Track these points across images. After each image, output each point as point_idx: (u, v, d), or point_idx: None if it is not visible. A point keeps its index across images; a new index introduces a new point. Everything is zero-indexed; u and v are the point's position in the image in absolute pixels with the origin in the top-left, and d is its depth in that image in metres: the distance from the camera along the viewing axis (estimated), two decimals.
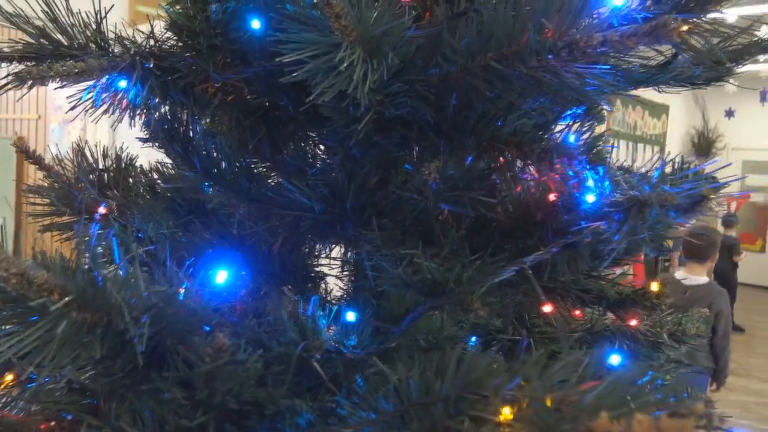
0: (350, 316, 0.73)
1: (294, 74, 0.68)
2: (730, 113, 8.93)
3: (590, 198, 0.70)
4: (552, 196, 0.74)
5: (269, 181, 0.99)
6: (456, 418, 0.55)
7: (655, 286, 0.94)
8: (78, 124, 4.92)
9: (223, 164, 0.92)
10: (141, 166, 1.22)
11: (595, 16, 0.70)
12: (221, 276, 0.79)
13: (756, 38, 0.92)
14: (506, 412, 0.55)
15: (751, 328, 7.25)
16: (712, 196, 0.61)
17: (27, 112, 5.60)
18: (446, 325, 0.90)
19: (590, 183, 0.71)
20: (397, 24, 0.72)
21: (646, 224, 0.63)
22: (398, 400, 0.62)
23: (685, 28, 0.59)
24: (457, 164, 0.77)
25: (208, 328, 0.66)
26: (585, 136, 0.71)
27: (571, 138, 0.74)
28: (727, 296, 3.71)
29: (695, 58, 0.91)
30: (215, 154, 0.91)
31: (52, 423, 0.65)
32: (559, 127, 0.93)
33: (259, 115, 0.92)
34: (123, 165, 1.23)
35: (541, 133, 0.75)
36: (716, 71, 0.91)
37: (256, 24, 0.76)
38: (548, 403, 0.48)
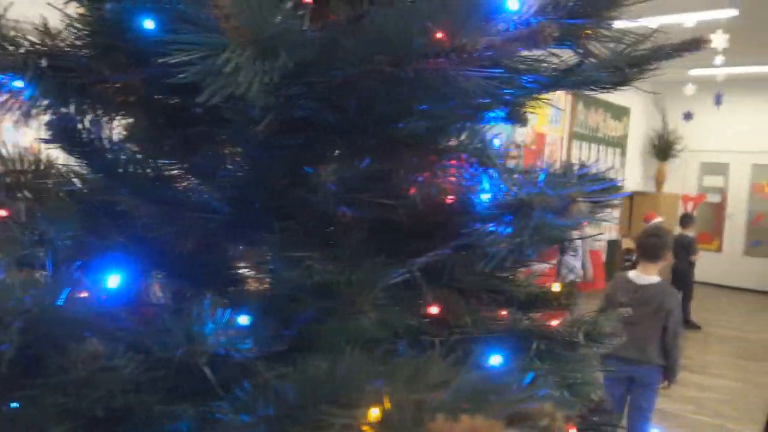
0: (243, 320, 0.72)
1: (180, 76, 0.67)
2: (688, 116, 9.16)
3: (481, 200, 0.71)
4: (448, 198, 0.74)
5: (183, 183, 0.98)
6: (323, 422, 0.55)
7: (557, 287, 0.96)
8: (34, 123, 4.80)
9: (129, 166, 0.90)
10: (60, 167, 1.19)
11: (486, 20, 0.71)
12: (114, 280, 0.78)
13: (659, 45, 0.94)
14: (373, 415, 0.55)
15: (707, 325, 7.44)
16: (580, 199, 0.62)
17: None
18: (370, 327, 0.90)
19: (482, 185, 0.72)
20: (292, 25, 0.71)
21: (530, 226, 0.64)
22: (279, 404, 0.61)
23: (554, 33, 0.60)
24: (356, 166, 0.77)
25: (88, 334, 0.65)
26: (476, 139, 0.72)
27: (468, 141, 0.75)
28: (678, 295, 3.79)
29: (599, 63, 0.93)
30: (122, 157, 0.90)
31: None
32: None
33: (167, 115, 0.91)
34: (42, 167, 1.20)
35: (438, 135, 0.76)
36: (620, 76, 0.93)
37: (149, 24, 0.75)
38: (389, 406, 0.48)
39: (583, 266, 5.94)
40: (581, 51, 0.86)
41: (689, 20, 6.53)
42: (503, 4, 0.73)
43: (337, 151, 0.80)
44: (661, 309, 3.45)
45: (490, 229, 0.68)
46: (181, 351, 0.63)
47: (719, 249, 10.21)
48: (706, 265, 8.87)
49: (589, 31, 0.82)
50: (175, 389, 0.66)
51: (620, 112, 9.61)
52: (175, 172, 0.98)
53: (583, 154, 8.89)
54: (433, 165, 0.74)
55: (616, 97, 9.28)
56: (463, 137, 0.76)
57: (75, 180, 1.12)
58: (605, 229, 9.26)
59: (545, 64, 0.89)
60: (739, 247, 10.11)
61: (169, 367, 0.66)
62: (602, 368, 1.10)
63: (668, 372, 3.53)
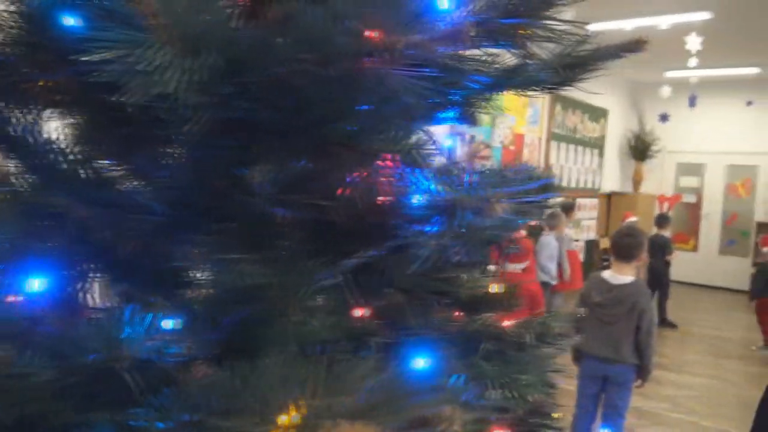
0: (168, 324, 0.71)
1: (100, 74, 0.66)
2: (664, 117, 9.27)
3: (412, 201, 0.70)
4: (382, 199, 0.74)
5: (124, 184, 0.96)
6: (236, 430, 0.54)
7: (494, 288, 0.95)
8: None
9: (65, 167, 0.88)
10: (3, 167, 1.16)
11: (414, 20, 0.70)
12: (44, 283, 0.76)
13: (600, 46, 0.94)
14: (282, 422, 0.54)
15: (685, 324, 7.52)
16: (494, 199, 0.62)
17: None
18: (319, 330, 0.89)
19: (414, 186, 0.71)
20: (220, 22, 0.70)
21: (456, 226, 0.64)
22: (195, 411, 0.60)
23: (472, 32, 0.59)
24: (290, 167, 0.76)
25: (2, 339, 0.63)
26: (410, 140, 0.71)
27: (402, 142, 0.74)
28: (650, 295, 3.81)
29: (542, 64, 0.93)
30: (57, 157, 0.88)
31: None
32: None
33: (104, 115, 0.89)
34: None
35: (372, 136, 0.75)
36: (563, 76, 0.93)
37: (73, 21, 0.73)
38: (299, 412, 0.47)
39: (561, 267, 5.97)
40: (520, 51, 0.86)
41: (664, 23, 6.61)
42: (432, 4, 0.72)
43: (273, 152, 0.78)
44: (635, 308, 3.46)
45: (420, 229, 0.68)
46: (98, 356, 0.61)
47: (695, 249, 10.34)
48: (682, 265, 8.99)
49: (526, 31, 0.81)
50: (95, 396, 0.64)
51: (598, 114, 9.70)
52: (115, 173, 0.96)
53: (561, 155, 8.97)
54: (367, 166, 0.73)
55: (594, 98, 9.40)
56: (396, 138, 0.75)
57: (17, 181, 1.10)
58: (584, 229, 9.35)
59: (487, 65, 0.89)
60: (715, 246, 10.26)
61: (88, 374, 0.64)
62: (553, 369, 1.10)
63: (641, 371, 3.53)
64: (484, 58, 0.85)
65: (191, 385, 0.63)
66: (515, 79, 0.92)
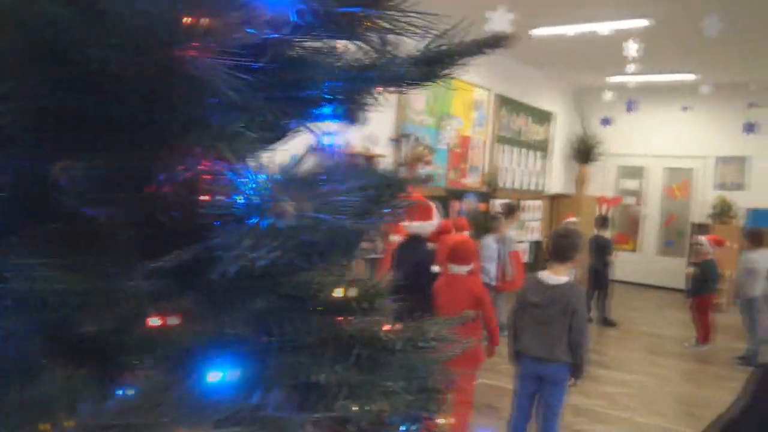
0: None
1: None
2: (606, 121, 9.51)
3: (224, 201, 0.65)
4: (194, 199, 0.68)
5: None
6: None
7: (340, 291, 0.91)
8: None
9: None
10: None
11: (234, 4, 0.65)
12: None
13: (461, 41, 0.91)
14: None
15: (626, 323, 7.71)
16: (283, 200, 0.57)
17: None
18: (184, 336, 0.83)
19: (232, 185, 0.65)
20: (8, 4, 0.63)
21: (259, 229, 0.59)
22: None
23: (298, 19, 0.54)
24: (102, 163, 0.70)
25: None
26: (224, 137, 0.66)
27: (216, 139, 0.68)
28: (583, 295, 3.86)
29: (404, 58, 0.89)
30: None
31: None
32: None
33: None
34: None
35: (192, 132, 0.69)
36: (423, 72, 0.90)
37: None
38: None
39: (504, 268, 6.04)
40: (369, 44, 0.82)
41: (605, 29, 6.76)
42: None
43: (85, 147, 0.72)
44: (567, 308, 3.49)
45: (229, 231, 0.63)
46: None
47: (634, 249, 10.65)
48: (623, 265, 9.23)
49: (369, 22, 0.77)
50: None
51: (543, 117, 9.88)
52: None
53: (507, 157, 9.08)
54: (183, 162, 0.67)
55: (539, 101, 9.55)
56: (217, 134, 0.69)
57: None
58: (529, 230, 9.50)
59: (337, 58, 0.84)
60: (654, 247, 10.60)
61: None
62: (431, 374, 1.07)
63: (575, 370, 3.56)
64: (329, 51, 0.81)
65: None
66: (370, 74, 0.87)
